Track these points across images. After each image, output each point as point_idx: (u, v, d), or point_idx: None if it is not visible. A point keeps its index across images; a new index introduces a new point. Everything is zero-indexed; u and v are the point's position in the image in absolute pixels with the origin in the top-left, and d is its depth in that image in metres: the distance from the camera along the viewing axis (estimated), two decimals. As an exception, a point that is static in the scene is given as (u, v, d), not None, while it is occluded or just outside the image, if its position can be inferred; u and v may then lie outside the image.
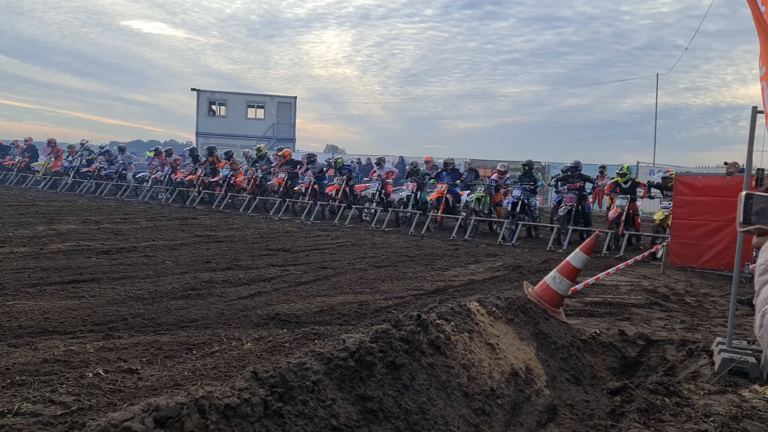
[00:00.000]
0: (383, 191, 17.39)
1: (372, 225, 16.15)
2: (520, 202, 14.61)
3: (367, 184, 18.59)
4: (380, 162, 19.96)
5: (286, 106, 41.04)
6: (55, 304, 6.42)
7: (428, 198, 16.21)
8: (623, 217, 13.50)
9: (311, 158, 19.50)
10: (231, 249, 10.86)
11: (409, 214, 16.00)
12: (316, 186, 17.70)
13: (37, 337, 5.32)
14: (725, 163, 9.93)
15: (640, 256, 10.53)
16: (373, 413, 3.24)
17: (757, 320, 1.24)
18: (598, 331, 6.00)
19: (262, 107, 40.50)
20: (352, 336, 3.74)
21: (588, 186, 14.86)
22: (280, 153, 20.54)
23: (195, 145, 27.20)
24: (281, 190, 18.32)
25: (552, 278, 5.67)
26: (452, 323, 4.24)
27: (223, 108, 40.00)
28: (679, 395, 4.55)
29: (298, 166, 19.25)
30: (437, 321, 4.16)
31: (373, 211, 17.10)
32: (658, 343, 6.00)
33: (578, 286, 7.04)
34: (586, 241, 6.36)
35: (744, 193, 1.53)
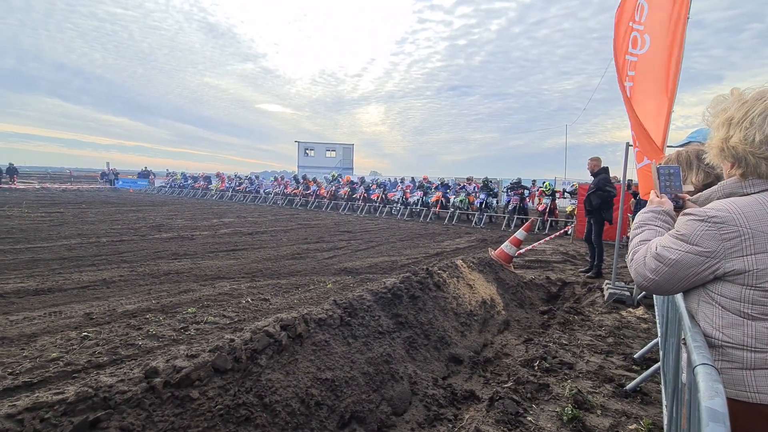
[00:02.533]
0: (404, 197, 17.47)
1: (397, 216, 16.09)
2: (484, 202, 14.56)
3: (395, 193, 18.62)
4: (402, 180, 20.25)
5: (348, 149, 41.00)
6: (223, 262, 6.56)
7: (430, 200, 16.23)
8: (547, 210, 13.37)
9: (362, 179, 20.53)
10: (318, 231, 10.96)
11: (418, 209, 16.01)
12: (365, 194, 17.90)
13: (214, 281, 5.45)
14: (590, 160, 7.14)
15: (558, 232, 10.33)
16: (401, 324, 3.24)
17: (629, 256, 1.25)
18: (533, 277, 5.88)
19: (334, 150, 40.50)
20: (389, 280, 3.74)
21: (526, 192, 14.62)
22: (344, 179, 20.94)
23: (297, 174, 27.51)
24: (346, 197, 18.60)
25: (506, 246, 5.58)
26: (447, 272, 4.21)
27: (312, 152, 40.13)
28: (583, 314, 4.44)
29: (355, 184, 19.50)
30: (438, 271, 4.13)
31: (398, 208, 17.07)
32: (570, 284, 5.84)
33: (521, 251, 6.91)
34: (525, 224, 6.23)
35: (656, 165, 1.40)
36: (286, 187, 21.52)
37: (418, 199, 16.53)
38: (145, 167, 34.80)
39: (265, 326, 2.37)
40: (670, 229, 1.22)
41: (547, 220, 13.36)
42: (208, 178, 26.76)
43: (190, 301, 4.46)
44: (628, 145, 4.73)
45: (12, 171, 27.11)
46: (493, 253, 5.52)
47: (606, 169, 6.69)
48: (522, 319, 4.42)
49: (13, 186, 24.91)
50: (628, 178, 5.22)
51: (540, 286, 5.63)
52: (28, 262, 5.97)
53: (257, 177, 26.35)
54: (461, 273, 4.36)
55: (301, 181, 21.58)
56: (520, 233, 5.83)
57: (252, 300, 4.58)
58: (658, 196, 1.35)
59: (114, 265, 6.05)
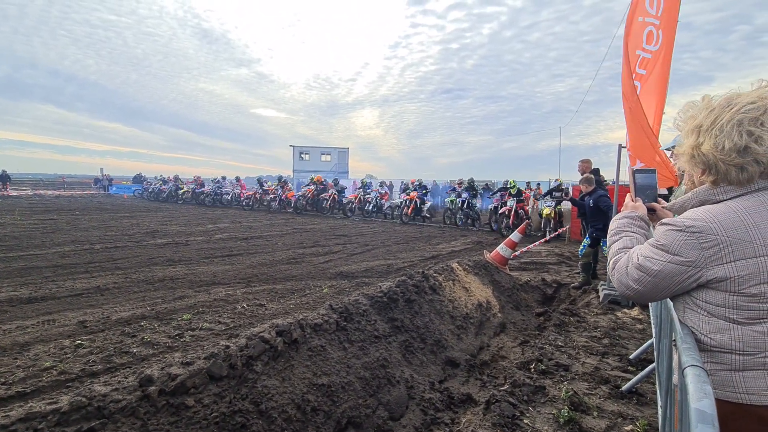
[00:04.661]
0: (381, 201, 16.59)
1: (391, 219, 15.94)
2: (467, 201, 14.11)
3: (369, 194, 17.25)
4: (381, 185, 19.05)
5: (343, 153, 40.87)
6: (219, 268, 6.54)
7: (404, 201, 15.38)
8: (513, 212, 12.01)
9: (336, 181, 18.66)
10: (313, 235, 10.94)
11: (394, 213, 15.39)
12: (335, 196, 16.96)
13: (209, 287, 5.42)
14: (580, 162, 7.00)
15: (551, 235, 10.01)
16: (397, 328, 3.24)
17: (609, 265, 1.26)
18: (529, 279, 5.90)
19: (329, 154, 40.38)
20: (385, 283, 3.75)
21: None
22: (316, 177, 18.86)
23: (285, 178, 23.91)
24: (310, 195, 17.44)
25: (501, 248, 5.60)
26: (443, 275, 4.22)
27: (307, 156, 39.96)
28: (579, 316, 4.46)
29: (323, 185, 18.08)
30: (434, 274, 4.14)
31: (369, 210, 16.13)
32: (565, 285, 5.87)
33: (516, 253, 6.93)
34: (520, 226, 6.26)
35: (632, 169, 1.41)
36: (262, 190, 19.54)
37: (401, 202, 15.69)
38: (140, 173, 34.64)
39: (261, 332, 2.37)
40: (645, 234, 1.25)
41: (513, 224, 11.72)
42: (202, 183, 25.58)
43: (185, 308, 4.44)
44: (620, 146, 4.77)
45: (5, 178, 26.91)
46: (489, 256, 5.53)
47: (597, 171, 6.76)
48: (518, 321, 4.43)
49: (5, 193, 24.70)
50: (614, 179, 5.28)
51: (535, 288, 5.65)
52: (21, 270, 5.92)
53: (223, 178, 23.57)
54: (457, 276, 4.37)
55: (265, 185, 19.91)
56: (515, 235, 5.85)
57: (247, 306, 4.56)
58: (633, 200, 1.37)
59: (108, 272, 6.01)
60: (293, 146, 40.08)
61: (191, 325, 3.89)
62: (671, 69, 4.40)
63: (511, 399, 2.65)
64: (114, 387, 1.87)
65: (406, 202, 15.34)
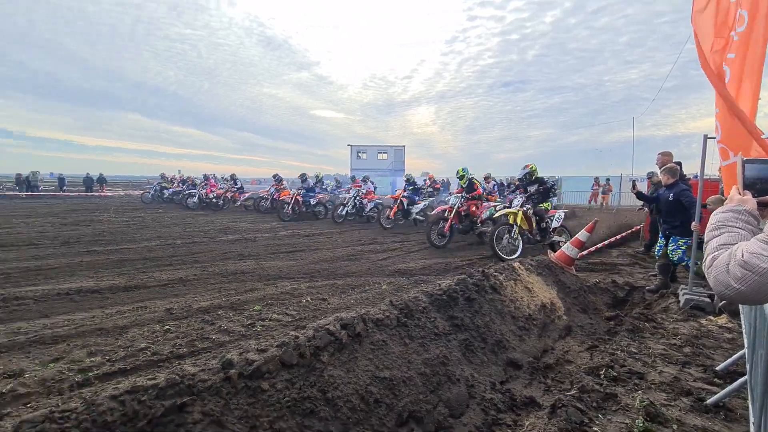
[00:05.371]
0: (362, 201, 13.87)
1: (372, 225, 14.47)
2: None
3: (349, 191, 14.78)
4: (366, 179, 15.46)
5: (400, 151, 41.03)
6: (284, 263, 6.88)
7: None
8: (453, 212, 9.06)
9: (303, 178, 15.49)
10: (371, 233, 11.15)
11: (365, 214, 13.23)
12: (299, 197, 14.48)
13: (276, 281, 5.72)
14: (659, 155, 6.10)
15: (620, 235, 8.92)
16: (457, 326, 3.23)
17: (707, 262, 1.16)
18: (597, 281, 5.55)
19: (386, 153, 40.71)
20: (444, 281, 3.74)
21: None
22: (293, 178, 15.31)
23: (279, 176, 17.36)
24: (291, 201, 14.51)
25: (566, 247, 5.34)
26: (503, 275, 4.12)
27: (364, 155, 40.63)
28: (655, 321, 4.12)
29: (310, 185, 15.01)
30: (494, 274, 4.05)
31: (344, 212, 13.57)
32: (639, 288, 5.45)
33: (583, 252, 6.56)
34: (588, 225, 5.90)
35: (741, 158, 1.27)
36: (236, 188, 17.50)
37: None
38: (212, 173, 37.36)
39: (326, 324, 2.49)
40: (753, 231, 1.12)
41: (448, 230, 8.78)
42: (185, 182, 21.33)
43: (256, 300, 4.76)
44: (706, 137, 4.32)
45: (102, 180, 30.54)
46: (553, 256, 5.30)
47: (679, 164, 6.14)
48: (585, 325, 4.20)
49: (102, 194, 28.01)
50: (697, 173, 4.74)
51: (605, 291, 5.30)
52: (117, 261, 6.70)
53: (208, 177, 19.87)
54: (519, 275, 4.24)
55: (237, 182, 17.71)
56: (582, 234, 5.54)
57: (311, 299, 4.78)
58: (740, 193, 1.23)
59: (188, 265, 6.60)
60: (351, 145, 40.96)
61: (261, 315, 4.17)
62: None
63: (578, 404, 2.54)
64: (201, 368, 2.08)
65: (390, 202, 12.94)
